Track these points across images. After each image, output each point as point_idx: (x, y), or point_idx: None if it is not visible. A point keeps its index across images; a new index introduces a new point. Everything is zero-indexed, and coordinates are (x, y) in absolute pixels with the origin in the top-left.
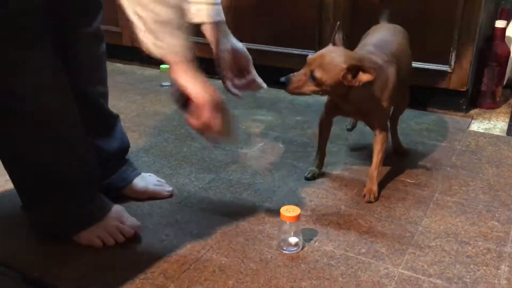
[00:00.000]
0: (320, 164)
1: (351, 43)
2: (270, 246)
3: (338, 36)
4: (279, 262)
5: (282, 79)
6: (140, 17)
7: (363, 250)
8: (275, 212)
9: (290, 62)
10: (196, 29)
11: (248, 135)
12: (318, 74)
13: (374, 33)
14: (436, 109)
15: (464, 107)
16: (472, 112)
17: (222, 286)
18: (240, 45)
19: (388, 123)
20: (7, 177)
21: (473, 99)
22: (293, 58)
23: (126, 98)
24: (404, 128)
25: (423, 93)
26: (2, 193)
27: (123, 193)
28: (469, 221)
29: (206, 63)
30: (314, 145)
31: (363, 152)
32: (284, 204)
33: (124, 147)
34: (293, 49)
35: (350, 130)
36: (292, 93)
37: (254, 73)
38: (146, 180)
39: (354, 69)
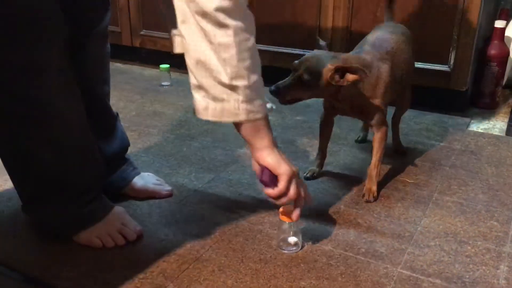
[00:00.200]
0: (320, 164)
1: (350, 43)
2: (269, 245)
3: (318, 42)
4: (279, 262)
5: (272, 88)
6: (238, 86)
7: (363, 250)
8: (275, 212)
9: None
10: None
11: None
12: (306, 77)
13: (374, 32)
14: (435, 109)
15: (463, 107)
16: (472, 112)
17: (222, 286)
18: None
19: (390, 123)
20: (6, 176)
21: (473, 99)
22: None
23: (126, 97)
24: (404, 128)
25: (423, 93)
26: (2, 192)
27: (123, 192)
28: (468, 221)
29: None
30: (313, 145)
31: (364, 151)
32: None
33: (124, 147)
34: (293, 49)
35: (360, 142)
36: (286, 103)
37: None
38: (145, 179)
39: (341, 69)
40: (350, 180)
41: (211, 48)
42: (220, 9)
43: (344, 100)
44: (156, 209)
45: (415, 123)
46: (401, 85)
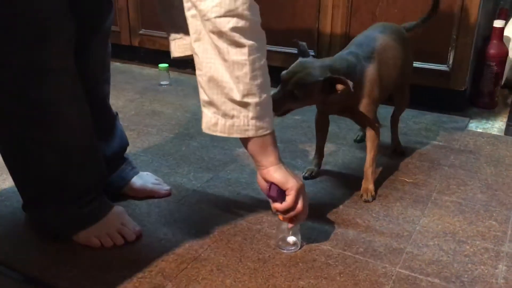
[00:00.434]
0: (318, 163)
1: (349, 42)
2: (268, 245)
3: (302, 48)
4: (277, 261)
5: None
6: (249, 103)
7: (361, 249)
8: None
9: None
10: None
11: None
12: (297, 93)
13: (364, 32)
14: (434, 109)
15: (462, 106)
16: (470, 111)
17: (220, 285)
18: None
19: (389, 122)
20: (5, 175)
21: (472, 99)
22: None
23: (125, 97)
24: (403, 128)
25: (422, 92)
26: (0, 192)
27: (122, 192)
28: (467, 220)
29: None
30: (312, 144)
31: (362, 151)
32: None
33: (124, 146)
34: (292, 49)
35: (358, 142)
36: (281, 115)
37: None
38: (144, 179)
39: (330, 80)
40: (349, 179)
41: (224, 65)
42: (236, 29)
43: (333, 104)
44: (155, 209)
45: (414, 123)
46: (394, 83)
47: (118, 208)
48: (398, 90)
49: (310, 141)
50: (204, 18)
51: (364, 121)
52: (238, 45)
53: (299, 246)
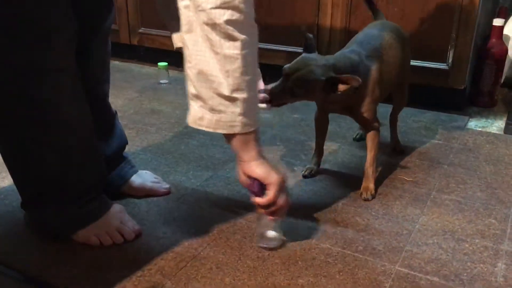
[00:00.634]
0: (318, 162)
1: (349, 40)
2: None
3: (310, 42)
4: (276, 260)
5: (265, 93)
6: (237, 99)
7: (360, 248)
8: None
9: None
10: None
11: None
12: (296, 90)
13: (363, 30)
14: (433, 107)
15: (461, 105)
16: (470, 110)
17: (219, 284)
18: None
19: (388, 121)
20: (4, 174)
21: (471, 98)
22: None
23: (124, 95)
24: (402, 126)
25: (421, 91)
26: (0, 191)
27: (121, 191)
28: (466, 218)
29: None
30: (311, 143)
31: (362, 149)
32: None
33: (123, 145)
34: (292, 47)
35: (358, 140)
36: (276, 106)
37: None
38: (143, 177)
39: (333, 80)
40: (348, 178)
41: (215, 58)
42: (230, 22)
43: (333, 102)
44: (154, 207)
45: (414, 121)
46: (393, 82)
47: (117, 207)
48: (397, 89)
49: (309, 140)
50: (198, 8)
51: (364, 120)
52: (232, 38)
53: (280, 241)
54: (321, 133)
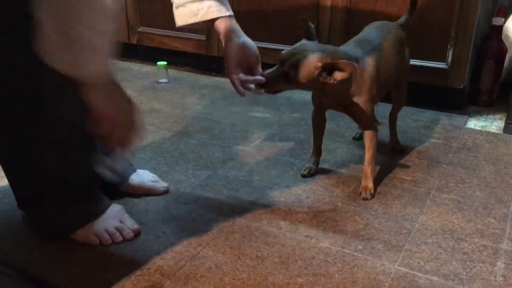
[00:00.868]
0: (316, 161)
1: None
2: (266, 242)
3: (310, 30)
4: (276, 259)
5: (261, 78)
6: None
7: (360, 247)
8: (272, 209)
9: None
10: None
11: (245, 132)
12: (292, 73)
13: (363, 30)
14: (433, 107)
15: (461, 104)
16: (469, 109)
17: (219, 283)
18: (251, 42)
19: (387, 121)
20: (2, 174)
21: (470, 97)
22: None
23: None
24: (401, 126)
25: (420, 90)
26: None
27: (120, 190)
28: (465, 218)
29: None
30: (310, 142)
31: (361, 149)
32: (281, 202)
33: None
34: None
35: (357, 139)
36: (271, 93)
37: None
38: (141, 177)
39: (329, 67)
40: (347, 177)
41: None
42: None
43: (330, 95)
44: (153, 206)
45: (413, 121)
46: (390, 81)
47: (116, 206)
48: (396, 88)
49: (309, 139)
50: None
51: (361, 119)
52: None
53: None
54: (318, 132)
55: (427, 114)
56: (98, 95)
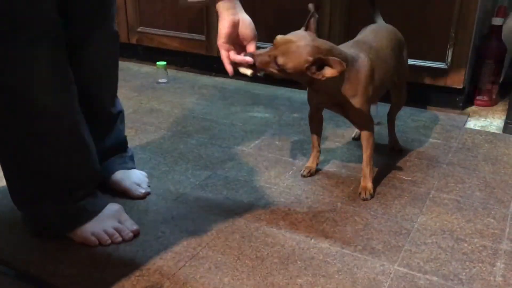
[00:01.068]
0: (316, 161)
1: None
2: (266, 243)
3: (313, 20)
4: (275, 259)
5: (248, 57)
6: None
7: (359, 247)
8: (272, 210)
9: None
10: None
11: (245, 132)
12: (280, 61)
13: (360, 32)
14: (432, 107)
15: (460, 104)
16: (469, 109)
17: (218, 283)
18: (247, 19)
19: (386, 121)
20: (0, 173)
21: (470, 97)
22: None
23: (123, 94)
24: (401, 126)
25: (420, 90)
26: None
27: (107, 184)
28: (465, 218)
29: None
30: (310, 142)
31: (360, 149)
32: (280, 202)
33: (119, 141)
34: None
35: (357, 139)
36: (258, 73)
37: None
38: (127, 175)
39: (320, 62)
40: (347, 177)
41: None
42: None
43: (320, 92)
44: (152, 206)
45: (412, 121)
46: (387, 83)
47: (115, 206)
48: (395, 89)
49: (308, 139)
50: None
51: (357, 119)
52: None
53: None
54: (315, 131)
55: (427, 114)
56: None
